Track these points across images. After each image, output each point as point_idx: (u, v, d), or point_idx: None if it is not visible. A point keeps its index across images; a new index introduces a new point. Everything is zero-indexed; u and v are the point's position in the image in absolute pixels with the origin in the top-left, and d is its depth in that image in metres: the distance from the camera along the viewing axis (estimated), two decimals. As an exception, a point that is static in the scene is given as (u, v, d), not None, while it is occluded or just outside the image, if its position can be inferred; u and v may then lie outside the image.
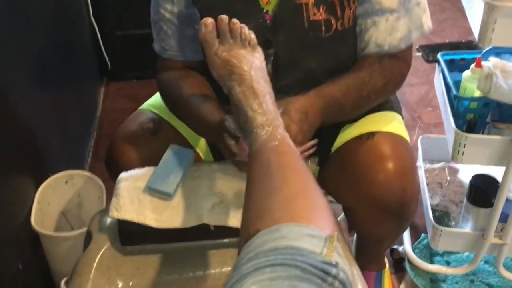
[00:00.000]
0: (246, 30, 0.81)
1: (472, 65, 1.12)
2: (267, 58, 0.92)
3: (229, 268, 0.92)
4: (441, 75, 1.23)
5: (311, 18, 0.90)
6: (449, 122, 1.10)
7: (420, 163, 1.39)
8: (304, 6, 0.90)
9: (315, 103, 0.86)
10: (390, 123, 1.01)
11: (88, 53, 1.97)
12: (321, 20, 0.90)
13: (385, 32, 0.94)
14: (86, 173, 1.34)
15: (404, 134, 1.03)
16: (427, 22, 0.97)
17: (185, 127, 1.00)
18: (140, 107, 1.09)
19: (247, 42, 0.81)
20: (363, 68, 0.95)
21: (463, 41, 2.28)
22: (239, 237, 0.56)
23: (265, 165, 0.62)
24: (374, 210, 0.94)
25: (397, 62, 0.97)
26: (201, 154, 1.05)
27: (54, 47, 1.51)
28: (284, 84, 0.94)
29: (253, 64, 0.78)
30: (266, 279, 0.43)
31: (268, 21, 0.92)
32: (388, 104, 1.06)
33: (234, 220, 0.89)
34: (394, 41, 0.94)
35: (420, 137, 1.47)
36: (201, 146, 1.04)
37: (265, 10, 0.92)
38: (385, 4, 0.92)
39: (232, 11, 0.87)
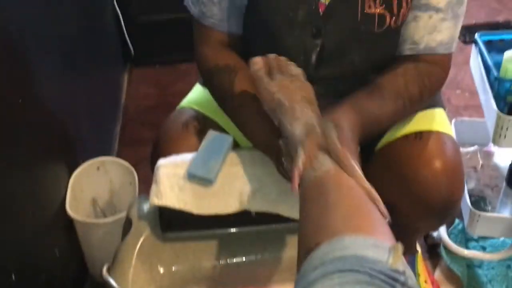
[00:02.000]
0: (292, 67, 0.82)
1: (514, 46, 1.09)
2: (313, 47, 0.90)
3: (271, 255, 0.91)
4: (479, 57, 1.20)
5: (366, 11, 0.86)
6: (490, 104, 1.07)
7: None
8: None
9: (354, 120, 0.80)
10: (437, 121, 0.98)
11: (112, 39, 1.96)
12: (375, 14, 0.86)
13: (424, 29, 0.87)
14: (117, 159, 1.34)
15: (451, 132, 1.00)
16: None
17: (231, 124, 0.96)
18: (180, 105, 1.03)
19: (294, 77, 0.81)
20: (398, 74, 0.89)
21: (501, 21, 2.22)
22: (297, 254, 0.57)
23: (320, 188, 0.64)
24: (418, 209, 0.92)
25: (434, 68, 0.91)
26: (241, 144, 1.01)
27: (79, 33, 1.50)
28: (324, 75, 0.92)
29: (302, 98, 0.79)
30: (336, 284, 0.44)
31: (320, 10, 0.88)
32: (434, 99, 1.02)
33: (275, 206, 0.88)
34: (433, 42, 0.88)
35: (454, 120, 1.44)
36: (243, 139, 0.98)
37: None
38: (431, 1, 0.86)
39: None
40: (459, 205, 0.96)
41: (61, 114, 1.26)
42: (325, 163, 0.69)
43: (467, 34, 2.09)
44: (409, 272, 0.47)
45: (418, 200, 0.91)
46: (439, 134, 0.95)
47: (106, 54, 1.89)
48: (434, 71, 0.91)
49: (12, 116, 0.97)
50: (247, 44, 0.97)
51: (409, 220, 0.98)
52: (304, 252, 0.53)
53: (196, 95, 1.05)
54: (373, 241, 0.49)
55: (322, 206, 0.59)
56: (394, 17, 0.86)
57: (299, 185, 0.73)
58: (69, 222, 1.19)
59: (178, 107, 1.04)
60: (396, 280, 0.44)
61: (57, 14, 1.29)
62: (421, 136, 0.94)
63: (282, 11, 0.88)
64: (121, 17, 1.98)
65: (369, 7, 0.85)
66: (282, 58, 0.82)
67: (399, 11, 0.86)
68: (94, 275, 1.26)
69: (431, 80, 0.90)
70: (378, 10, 0.86)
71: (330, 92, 0.89)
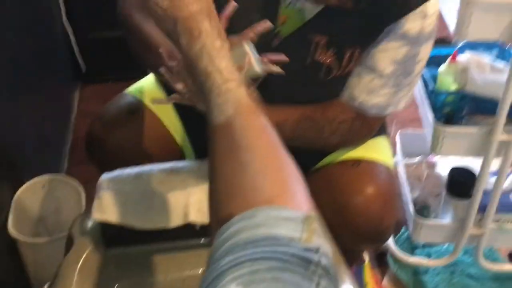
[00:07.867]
0: None
1: (448, 59, 1.14)
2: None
3: (216, 267, 0.91)
4: (417, 70, 1.24)
5: (315, 58, 0.87)
6: (428, 116, 1.12)
7: (398, 158, 1.41)
8: (314, 44, 0.86)
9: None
10: (378, 151, 1.01)
11: (62, 56, 1.93)
12: (324, 64, 0.87)
13: (363, 89, 0.90)
14: (63, 177, 1.31)
15: (390, 162, 1.03)
16: (406, 102, 0.94)
17: (163, 111, 1.01)
18: (126, 90, 1.10)
19: None
20: (335, 119, 0.92)
21: (438, 37, 2.32)
22: (210, 218, 0.52)
23: (229, 134, 0.53)
24: (349, 234, 0.94)
25: (363, 128, 0.95)
26: (177, 138, 1.05)
27: (27, 51, 1.47)
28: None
29: (201, 10, 0.57)
30: (246, 273, 0.41)
31: (276, 42, 0.88)
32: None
33: (220, 218, 0.88)
34: (368, 103, 0.91)
35: (398, 132, 1.49)
36: (178, 130, 1.05)
37: (277, 30, 0.87)
38: (379, 66, 0.87)
39: (249, 19, 0.80)
40: (390, 232, 0.99)
41: (3, 132, 1.23)
42: (235, 97, 0.53)
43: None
44: (324, 247, 0.43)
45: (349, 226, 0.93)
46: (376, 164, 0.99)
47: (56, 71, 1.85)
48: (362, 130, 0.95)
49: None
50: None
51: (343, 242, 1.00)
52: (216, 220, 0.48)
53: (143, 83, 1.09)
54: (286, 213, 0.45)
55: (233, 163, 0.51)
56: (341, 70, 0.87)
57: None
58: (11, 243, 1.15)
59: (123, 91, 1.10)
60: (309, 261, 0.42)
61: (2, 30, 1.27)
62: (358, 164, 0.97)
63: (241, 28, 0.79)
64: (71, 33, 1.95)
65: (320, 55, 0.86)
66: None
67: (348, 65, 0.87)
68: (40, 297, 1.22)
69: (355, 137, 0.95)
70: (327, 60, 0.86)
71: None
